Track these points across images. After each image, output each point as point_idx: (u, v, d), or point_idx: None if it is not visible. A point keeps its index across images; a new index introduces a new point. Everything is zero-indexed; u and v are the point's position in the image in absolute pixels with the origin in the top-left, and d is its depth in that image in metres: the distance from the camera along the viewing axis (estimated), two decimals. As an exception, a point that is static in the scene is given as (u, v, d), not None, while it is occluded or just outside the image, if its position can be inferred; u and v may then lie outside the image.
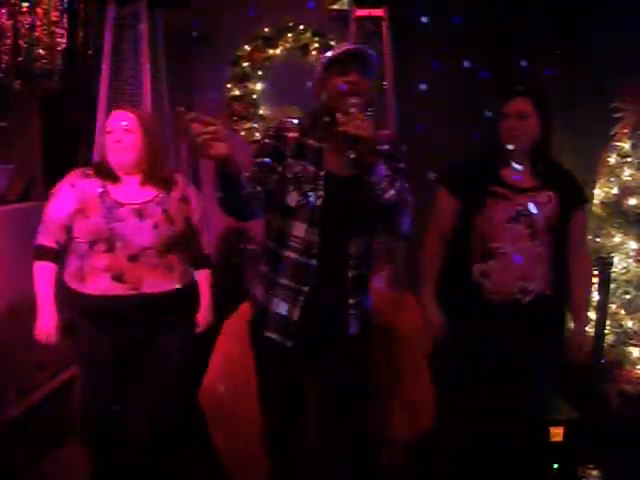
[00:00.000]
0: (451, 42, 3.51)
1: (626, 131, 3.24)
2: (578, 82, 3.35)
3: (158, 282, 2.24)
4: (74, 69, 3.43)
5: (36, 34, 3.29)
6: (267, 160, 1.95)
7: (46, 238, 2.30)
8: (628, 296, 3.22)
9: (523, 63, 3.30)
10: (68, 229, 2.29)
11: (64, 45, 3.33)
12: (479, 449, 2.37)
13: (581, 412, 2.79)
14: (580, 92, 3.35)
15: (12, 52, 3.25)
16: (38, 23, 3.29)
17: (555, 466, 2.69)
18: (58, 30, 3.33)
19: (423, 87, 3.41)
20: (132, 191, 2.30)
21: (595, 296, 3.18)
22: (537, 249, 2.25)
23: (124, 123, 2.27)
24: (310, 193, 1.93)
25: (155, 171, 2.32)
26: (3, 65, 3.22)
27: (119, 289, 2.20)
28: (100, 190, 2.27)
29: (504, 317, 2.25)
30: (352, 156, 1.80)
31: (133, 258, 2.21)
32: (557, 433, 2.70)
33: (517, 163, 2.32)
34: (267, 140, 2.00)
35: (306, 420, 2.17)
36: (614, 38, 3.24)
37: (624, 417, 3.01)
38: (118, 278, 2.20)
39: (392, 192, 1.86)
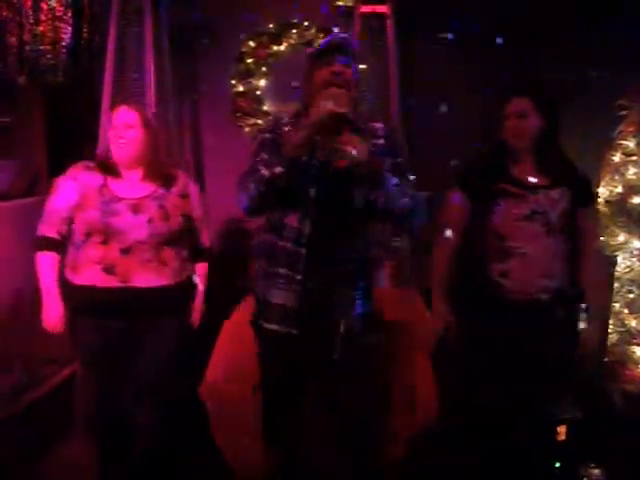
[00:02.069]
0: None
1: (631, 129, 3.22)
2: (581, 80, 3.33)
3: (149, 277, 2.24)
4: (78, 64, 3.44)
5: (40, 29, 3.29)
6: (265, 156, 1.99)
7: (48, 229, 2.32)
8: (632, 295, 3.20)
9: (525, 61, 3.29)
10: (69, 221, 2.32)
11: (68, 40, 3.34)
12: (487, 448, 2.39)
13: (584, 411, 2.79)
14: (583, 90, 3.33)
15: (17, 47, 3.26)
16: (42, 18, 3.29)
17: (557, 465, 2.69)
18: (62, 25, 3.33)
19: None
20: (131, 186, 2.33)
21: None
22: (553, 247, 2.28)
23: (126, 119, 2.31)
24: (303, 183, 1.96)
25: (155, 167, 2.35)
26: (8, 60, 3.23)
27: (109, 281, 2.21)
28: (100, 183, 2.30)
29: (526, 316, 2.27)
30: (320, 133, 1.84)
31: (125, 251, 2.22)
32: (560, 432, 2.70)
33: (521, 160, 2.34)
34: (266, 135, 2.05)
35: (305, 417, 2.20)
36: (618, 36, 3.22)
37: (627, 416, 3.00)
38: (109, 270, 2.22)
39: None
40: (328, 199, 1.96)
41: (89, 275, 2.23)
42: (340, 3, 3.48)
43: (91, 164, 2.37)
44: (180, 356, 2.39)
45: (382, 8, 3.30)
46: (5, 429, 2.69)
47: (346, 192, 1.94)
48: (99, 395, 2.35)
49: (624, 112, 3.21)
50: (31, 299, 3.04)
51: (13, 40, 3.25)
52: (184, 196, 2.39)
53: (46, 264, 2.32)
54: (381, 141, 2.03)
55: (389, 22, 3.29)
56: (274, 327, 2.04)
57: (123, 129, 2.30)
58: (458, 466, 2.68)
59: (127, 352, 2.30)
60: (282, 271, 2.01)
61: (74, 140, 3.59)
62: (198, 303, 2.51)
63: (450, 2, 3.47)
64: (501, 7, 3.44)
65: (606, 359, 3.13)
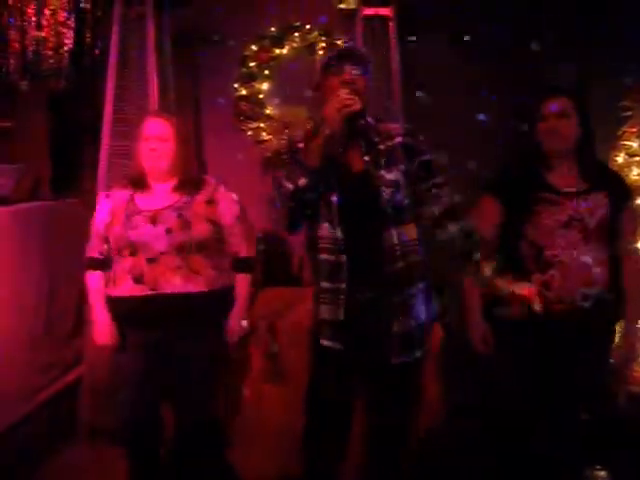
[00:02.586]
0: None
1: (634, 130, 3.22)
2: (585, 79, 3.34)
3: (177, 283, 2.24)
4: (81, 69, 3.45)
5: (43, 34, 3.30)
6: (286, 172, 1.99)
7: (92, 249, 2.39)
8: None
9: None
10: (107, 239, 2.36)
11: (71, 45, 3.35)
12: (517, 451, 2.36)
13: (588, 412, 2.77)
14: (587, 89, 3.33)
15: (19, 52, 3.27)
16: (45, 23, 3.30)
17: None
18: (65, 30, 3.35)
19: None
20: (157, 198, 2.33)
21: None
22: (592, 253, 2.21)
23: (159, 131, 2.31)
24: (324, 190, 1.96)
25: (188, 177, 2.35)
26: (10, 65, 3.24)
27: (139, 290, 2.24)
28: (127, 198, 2.34)
29: (567, 324, 2.22)
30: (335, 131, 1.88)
31: (152, 260, 2.24)
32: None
33: (557, 165, 2.26)
34: (286, 158, 2.04)
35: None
36: (622, 36, 3.23)
37: (632, 417, 2.98)
38: (138, 279, 2.24)
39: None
40: (352, 203, 1.96)
41: (123, 286, 2.27)
42: (342, 6, 3.49)
43: (125, 180, 2.41)
44: (213, 366, 2.38)
45: (385, 10, 3.31)
46: (8, 432, 2.69)
47: (369, 195, 1.94)
48: (133, 401, 2.32)
49: (628, 113, 3.21)
50: (34, 302, 3.05)
51: (16, 45, 3.26)
52: (210, 202, 2.35)
53: (92, 282, 2.39)
54: (398, 139, 2.01)
55: (391, 24, 3.30)
56: (327, 343, 2.01)
57: (156, 142, 2.29)
58: (460, 467, 2.69)
59: (162, 360, 2.29)
60: (326, 285, 1.98)
61: (76, 145, 3.61)
62: (235, 315, 2.40)
63: (451, 3, 3.48)
64: (501, 7, 3.45)
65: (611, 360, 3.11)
